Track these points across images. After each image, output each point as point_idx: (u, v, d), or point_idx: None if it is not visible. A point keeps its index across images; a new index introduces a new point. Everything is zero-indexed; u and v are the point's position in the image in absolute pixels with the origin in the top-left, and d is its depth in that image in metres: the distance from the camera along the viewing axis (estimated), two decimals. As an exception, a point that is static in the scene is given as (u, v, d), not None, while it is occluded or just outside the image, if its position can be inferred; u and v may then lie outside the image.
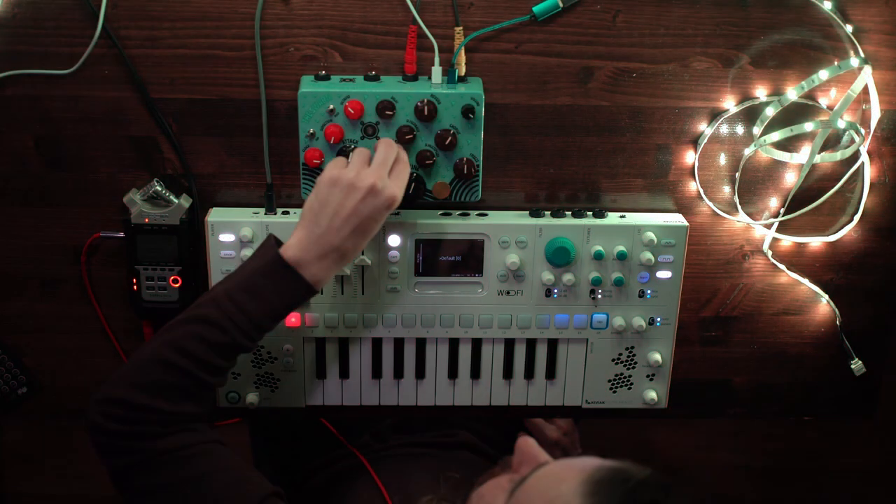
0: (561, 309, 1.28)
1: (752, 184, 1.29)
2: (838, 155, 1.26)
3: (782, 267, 1.32)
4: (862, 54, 1.21)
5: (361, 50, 1.20)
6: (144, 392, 1.04)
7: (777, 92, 1.24)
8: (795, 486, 2.37)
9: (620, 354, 1.31)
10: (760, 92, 1.24)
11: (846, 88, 1.23)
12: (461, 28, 1.18)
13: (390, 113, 1.17)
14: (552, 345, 1.31)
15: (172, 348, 1.06)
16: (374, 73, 1.19)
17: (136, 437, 1.04)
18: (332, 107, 1.17)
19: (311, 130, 1.18)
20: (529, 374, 1.33)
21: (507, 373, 1.32)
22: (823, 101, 1.25)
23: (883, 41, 1.22)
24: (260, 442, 1.67)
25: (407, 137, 1.18)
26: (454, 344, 1.31)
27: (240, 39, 1.18)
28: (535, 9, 1.17)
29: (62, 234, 1.26)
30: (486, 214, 1.26)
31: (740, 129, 1.26)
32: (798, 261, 1.33)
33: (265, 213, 1.23)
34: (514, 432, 1.55)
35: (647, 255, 1.25)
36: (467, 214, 1.25)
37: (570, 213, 1.26)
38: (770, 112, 1.24)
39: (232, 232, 1.22)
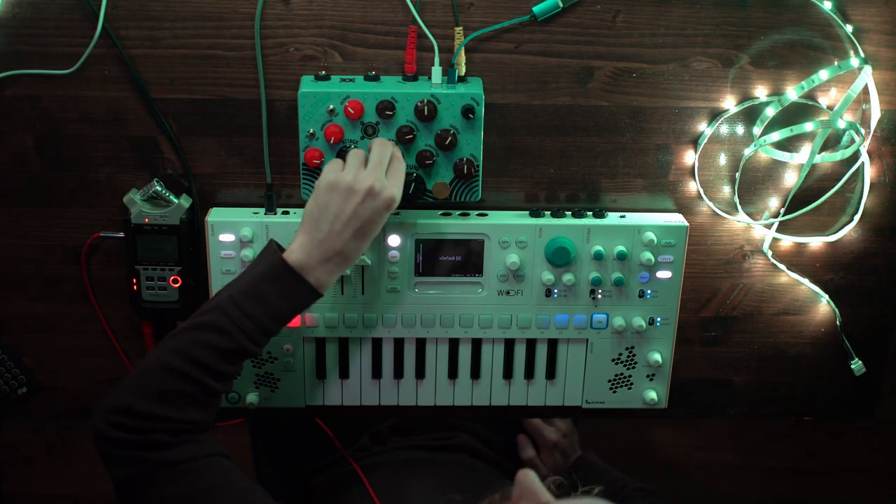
0: (561, 309, 1.28)
1: (752, 184, 1.29)
2: (838, 155, 1.26)
3: (782, 267, 1.32)
4: (862, 54, 1.21)
5: (361, 50, 1.20)
6: (151, 400, 1.04)
7: (777, 92, 1.24)
8: (795, 486, 2.37)
9: (620, 354, 1.32)
10: (760, 92, 1.24)
11: (846, 88, 1.23)
12: (461, 28, 1.18)
13: (390, 113, 1.17)
14: (552, 345, 1.31)
15: (179, 356, 1.06)
16: (374, 73, 1.19)
17: (141, 447, 1.04)
18: (332, 107, 1.17)
19: (311, 130, 1.18)
20: (529, 374, 1.33)
21: (507, 373, 1.32)
22: (823, 101, 1.25)
23: (883, 41, 1.22)
24: (260, 442, 1.67)
25: (407, 137, 1.18)
26: (454, 344, 1.31)
27: (240, 39, 1.18)
28: (535, 9, 1.17)
29: (62, 234, 1.26)
30: (486, 214, 1.26)
31: (740, 129, 1.26)
32: (798, 261, 1.33)
33: (265, 213, 1.23)
34: (513, 434, 1.56)
35: (647, 255, 1.25)
36: (467, 214, 1.25)
37: (570, 213, 1.26)
38: (770, 112, 1.24)
39: (232, 232, 1.22)
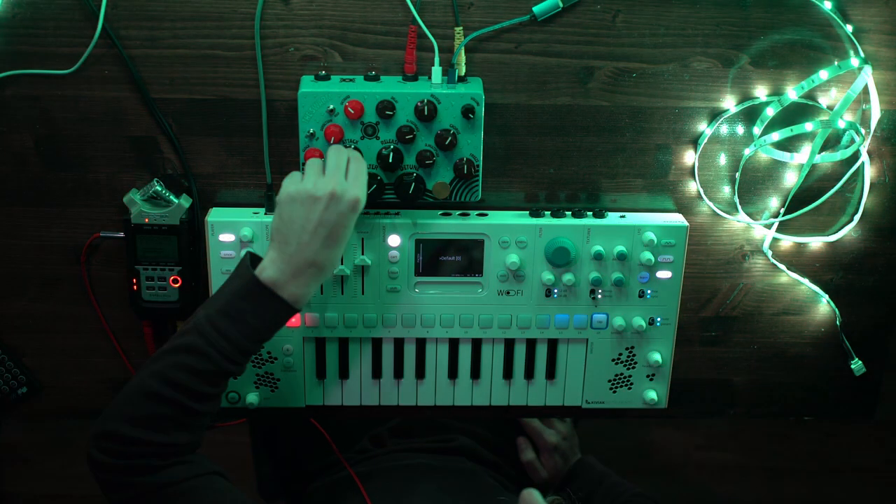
0: (561, 309, 1.28)
1: (752, 184, 1.29)
2: (838, 155, 1.26)
3: (782, 267, 1.32)
4: (862, 54, 1.21)
5: (361, 50, 1.20)
6: (136, 425, 1.05)
7: (777, 92, 1.24)
8: (795, 486, 2.37)
9: (620, 354, 1.32)
10: (760, 92, 1.24)
11: (846, 88, 1.23)
12: (461, 28, 1.18)
13: (390, 113, 1.17)
14: (552, 345, 1.31)
15: (159, 379, 1.06)
16: (374, 73, 1.19)
17: (134, 472, 1.05)
18: (332, 107, 1.17)
19: (311, 130, 1.18)
20: (529, 374, 1.33)
21: (507, 373, 1.32)
22: (823, 101, 1.25)
23: (883, 41, 1.22)
24: (260, 442, 1.67)
25: (407, 137, 1.18)
26: (454, 344, 1.31)
27: (240, 39, 1.18)
28: (535, 9, 1.17)
29: (62, 234, 1.26)
30: (486, 214, 1.26)
31: (740, 129, 1.26)
32: (798, 261, 1.33)
33: (265, 213, 1.23)
34: (513, 437, 1.56)
35: (647, 255, 1.25)
36: (467, 214, 1.25)
37: (570, 213, 1.26)
38: (770, 112, 1.24)
39: (232, 232, 1.22)
